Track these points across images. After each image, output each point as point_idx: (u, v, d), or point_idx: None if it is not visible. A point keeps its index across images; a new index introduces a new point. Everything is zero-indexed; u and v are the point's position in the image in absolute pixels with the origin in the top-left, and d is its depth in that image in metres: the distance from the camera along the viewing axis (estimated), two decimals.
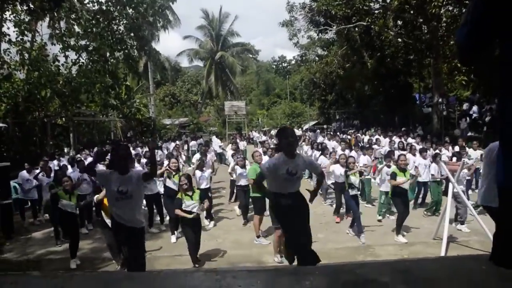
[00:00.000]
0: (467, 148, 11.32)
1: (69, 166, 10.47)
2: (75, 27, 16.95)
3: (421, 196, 10.16)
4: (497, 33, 1.65)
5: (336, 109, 39.20)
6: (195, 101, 51.73)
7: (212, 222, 8.98)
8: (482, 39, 1.69)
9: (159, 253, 6.90)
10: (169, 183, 8.08)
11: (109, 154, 4.90)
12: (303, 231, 4.17)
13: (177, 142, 19.91)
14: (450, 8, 20.06)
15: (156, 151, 7.67)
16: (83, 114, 22.06)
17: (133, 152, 10.06)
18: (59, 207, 6.92)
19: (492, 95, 19.80)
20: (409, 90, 29.17)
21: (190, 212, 6.22)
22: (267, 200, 6.34)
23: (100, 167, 7.64)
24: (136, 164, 9.91)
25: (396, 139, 15.58)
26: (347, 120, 37.68)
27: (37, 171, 9.91)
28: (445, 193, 8.66)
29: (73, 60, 16.66)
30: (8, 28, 15.67)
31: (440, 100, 21.53)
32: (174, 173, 8.03)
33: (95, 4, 16.67)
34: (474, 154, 10.90)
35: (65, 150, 18.64)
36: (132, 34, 17.72)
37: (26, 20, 15.79)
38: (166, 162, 8.95)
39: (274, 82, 67.27)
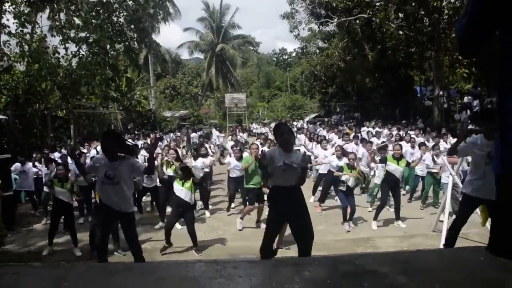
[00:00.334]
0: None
1: (69, 158, 10.47)
2: (75, 19, 16.84)
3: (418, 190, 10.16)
4: (497, 25, 1.64)
5: (336, 101, 39.18)
6: (196, 93, 51.70)
7: (208, 212, 9.16)
8: (482, 31, 1.68)
9: (159, 245, 6.92)
10: (169, 171, 8.18)
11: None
12: (299, 226, 4.42)
13: (178, 133, 20.05)
14: (452, 1, 19.97)
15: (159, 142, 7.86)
16: (84, 106, 22.05)
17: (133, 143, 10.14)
18: (53, 194, 7.07)
19: (492, 88, 19.77)
20: (410, 82, 29.13)
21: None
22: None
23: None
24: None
25: (394, 131, 15.63)
26: (348, 112, 37.67)
27: (30, 163, 9.95)
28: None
29: (73, 52, 16.54)
30: (8, 20, 15.55)
31: (441, 93, 21.50)
32: (172, 163, 8.12)
33: None
34: None
35: (68, 142, 18.70)
36: (132, 26, 17.63)
37: (26, 11, 15.66)
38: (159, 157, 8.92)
39: (274, 75, 67.13)
